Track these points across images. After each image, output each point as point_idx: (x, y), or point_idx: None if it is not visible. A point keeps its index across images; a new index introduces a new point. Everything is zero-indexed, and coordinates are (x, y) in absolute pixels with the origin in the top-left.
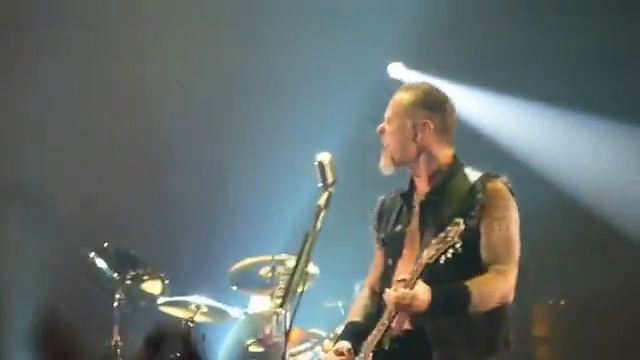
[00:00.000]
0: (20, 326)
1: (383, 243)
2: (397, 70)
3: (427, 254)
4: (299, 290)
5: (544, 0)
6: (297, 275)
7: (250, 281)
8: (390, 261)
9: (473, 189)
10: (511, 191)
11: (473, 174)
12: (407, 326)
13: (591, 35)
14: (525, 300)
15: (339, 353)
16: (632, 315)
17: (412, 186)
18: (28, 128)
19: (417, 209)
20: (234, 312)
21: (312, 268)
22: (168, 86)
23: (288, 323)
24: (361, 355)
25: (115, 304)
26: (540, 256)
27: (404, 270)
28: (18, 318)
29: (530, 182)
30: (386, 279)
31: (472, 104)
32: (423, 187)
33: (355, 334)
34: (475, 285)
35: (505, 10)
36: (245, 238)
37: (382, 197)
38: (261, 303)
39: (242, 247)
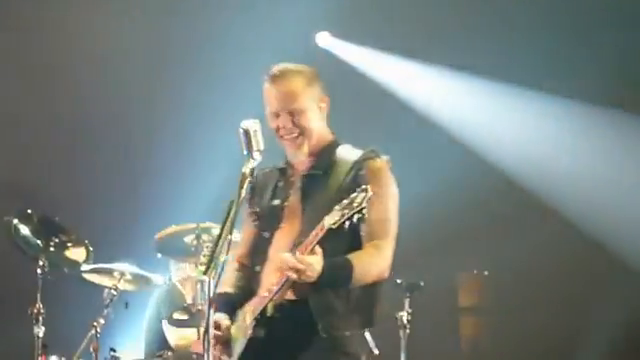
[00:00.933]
0: None
1: (256, 217)
2: (324, 39)
3: (329, 219)
4: (222, 258)
5: None
6: (221, 243)
7: (175, 249)
8: (266, 234)
9: (355, 166)
10: (390, 169)
11: (353, 151)
12: (290, 296)
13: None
14: (449, 270)
15: (216, 326)
16: (556, 284)
17: (288, 161)
18: None
19: (298, 184)
20: (158, 279)
21: (236, 236)
22: (90, 55)
23: (212, 291)
24: (238, 324)
25: (39, 271)
26: (464, 226)
27: (283, 243)
28: None
29: (455, 151)
30: (260, 252)
31: (399, 73)
32: (304, 162)
33: (228, 304)
34: (357, 260)
35: None
36: (169, 206)
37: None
38: (182, 271)
39: (166, 215)
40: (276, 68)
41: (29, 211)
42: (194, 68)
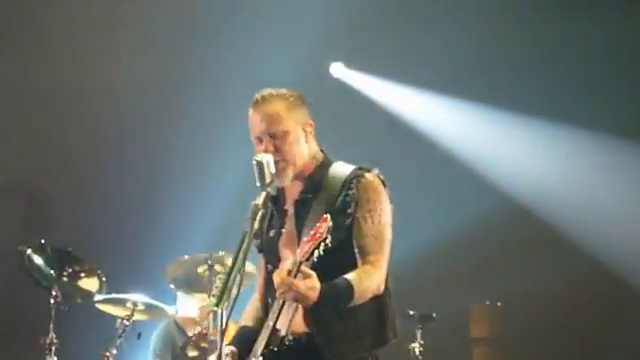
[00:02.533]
0: None
1: (260, 249)
2: (338, 70)
3: (300, 252)
4: (235, 290)
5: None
6: (234, 274)
7: (187, 280)
8: (270, 267)
9: (346, 185)
10: (383, 182)
11: (345, 168)
12: (296, 329)
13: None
14: (462, 301)
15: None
16: (570, 316)
17: (281, 188)
18: None
19: (291, 211)
20: (170, 309)
21: (249, 267)
22: (98, 84)
23: (224, 322)
24: (252, 358)
25: (52, 301)
26: (476, 257)
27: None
28: None
29: (470, 183)
30: (270, 286)
31: (413, 105)
32: (295, 187)
33: (244, 338)
34: (355, 280)
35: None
36: (181, 236)
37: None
38: (189, 304)
39: (179, 245)
40: (258, 93)
41: (42, 241)
42: (201, 99)
